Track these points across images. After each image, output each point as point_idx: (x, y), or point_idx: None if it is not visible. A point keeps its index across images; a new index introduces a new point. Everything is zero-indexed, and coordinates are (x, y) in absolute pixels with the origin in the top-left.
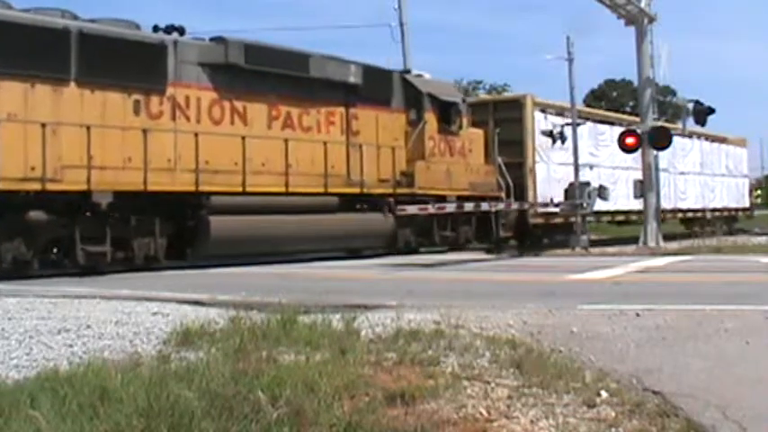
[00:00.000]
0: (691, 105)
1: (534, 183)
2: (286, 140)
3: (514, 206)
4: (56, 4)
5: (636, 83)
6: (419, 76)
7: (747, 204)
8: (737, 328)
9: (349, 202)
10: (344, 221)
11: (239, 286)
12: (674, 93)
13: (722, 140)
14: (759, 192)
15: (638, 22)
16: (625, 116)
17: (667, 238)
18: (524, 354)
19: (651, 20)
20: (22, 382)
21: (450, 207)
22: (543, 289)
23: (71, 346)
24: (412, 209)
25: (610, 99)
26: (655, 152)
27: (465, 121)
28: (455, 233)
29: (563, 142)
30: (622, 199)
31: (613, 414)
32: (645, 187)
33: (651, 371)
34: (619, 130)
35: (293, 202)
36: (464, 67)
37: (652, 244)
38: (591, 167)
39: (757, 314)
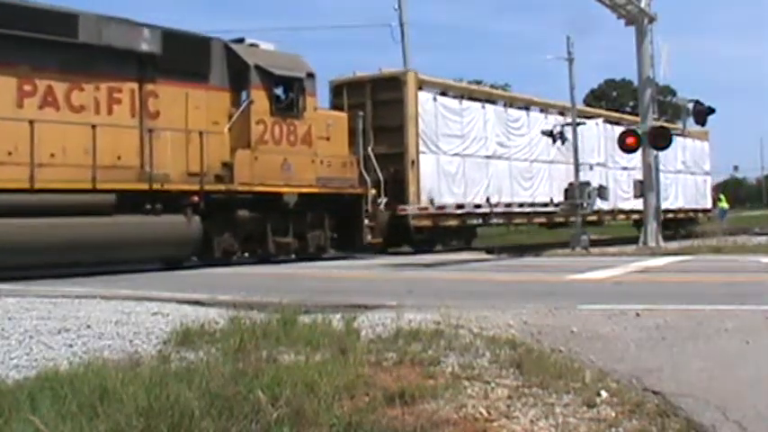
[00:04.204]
0: (691, 105)
1: (417, 177)
2: (31, 122)
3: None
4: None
5: (636, 83)
6: (253, 45)
7: (708, 205)
8: (737, 328)
9: (137, 202)
10: (124, 226)
11: (239, 286)
12: (674, 93)
13: (679, 132)
14: (722, 196)
15: (638, 21)
16: (540, 99)
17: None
18: (524, 354)
19: (651, 20)
20: (22, 382)
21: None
22: (543, 289)
23: (71, 346)
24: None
25: (610, 99)
26: (655, 152)
27: (311, 101)
28: (300, 239)
29: (563, 143)
30: (543, 197)
31: (613, 414)
32: (645, 187)
33: (651, 371)
34: (541, 117)
35: (42, 201)
36: (464, 66)
37: (652, 244)
38: (496, 158)
39: (757, 314)
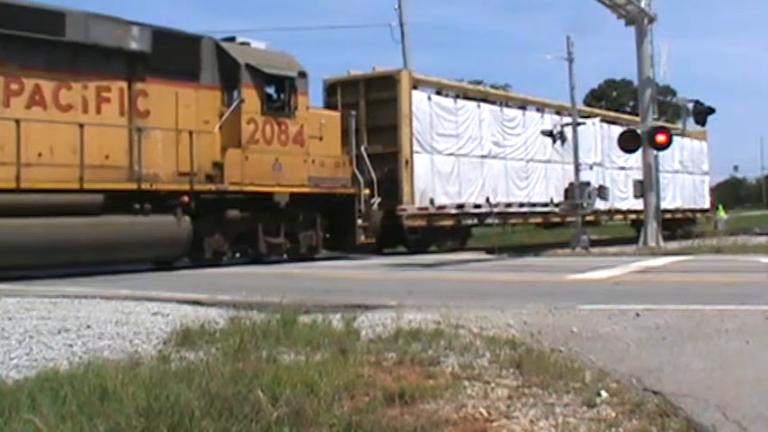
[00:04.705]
0: (691, 105)
1: (411, 177)
2: (18, 121)
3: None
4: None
5: (636, 83)
6: (244, 44)
7: (707, 205)
8: (737, 328)
9: (126, 202)
10: (112, 226)
11: (239, 286)
12: (674, 93)
13: (677, 132)
14: (720, 206)
15: (638, 22)
16: (535, 98)
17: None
18: (524, 354)
19: (651, 20)
20: (22, 382)
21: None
22: (543, 289)
23: (71, 346)
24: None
25: (610, 99)
26: (655, 152)
27: (303, 100)
28: (291, 240)
29: (563, 143)
30: (539, 197)
31: (613, 414)
32: (645, 187)
33: (651, 371)
34: (537, 116)
35: (28, 201)
36: (464, 67)
37: (652, 244)
38: (491, 158)
39: (757, 314)
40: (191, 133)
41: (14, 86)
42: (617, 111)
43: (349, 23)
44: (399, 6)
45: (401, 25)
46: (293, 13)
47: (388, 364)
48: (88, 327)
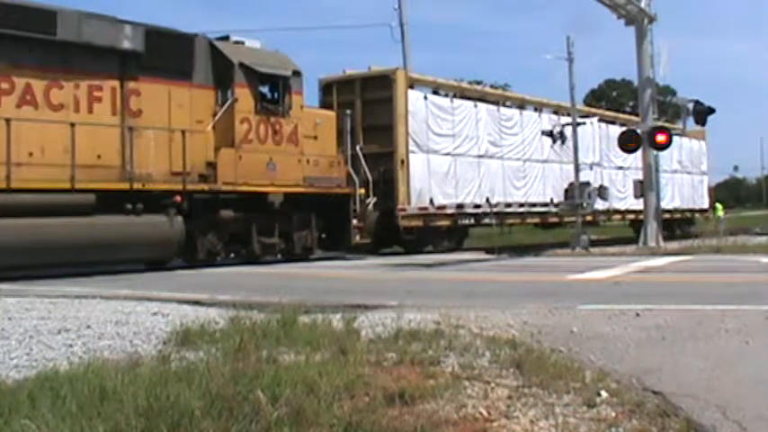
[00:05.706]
0: (691, 105)
1: (407, 177)
2: (8, 120)
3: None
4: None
5: (636, 83)
6: (238, 43)
7: (705, 205)
8: (737, 328)
9: (118, 202)
10: (104, 227)
11: (239, 286)
12: (674, 93)
13: (677, 132)
14: (718, 205)
15: (638, 21)
16: (536, 98)
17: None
18: (524, 354)
19: (651, 20)
20: (22, 382)
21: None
22: (543, 289)
23: (71, 346)
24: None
25: (610, 99)
26: (655, 152)
27: (297, 99)
28: (285, 240)
29: (563, 143)
30: (536, 197)
31: (613, 414)
32: (645, 187)
33: (651, 371)
34: (534, 116)
35: (19, 201)
36: (464, 67)
37: (652, 244)
38: (488, 157)
39: (757, 314)
40: (183, 133)
41: (5, 85)
42: (617, 111)
43: (349, 24)
44: (399, 6)
45: (401, 25)
46: (293, 14)
47: (388, 364)
48: (88, 327)
